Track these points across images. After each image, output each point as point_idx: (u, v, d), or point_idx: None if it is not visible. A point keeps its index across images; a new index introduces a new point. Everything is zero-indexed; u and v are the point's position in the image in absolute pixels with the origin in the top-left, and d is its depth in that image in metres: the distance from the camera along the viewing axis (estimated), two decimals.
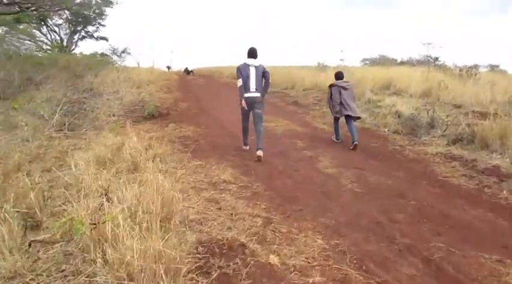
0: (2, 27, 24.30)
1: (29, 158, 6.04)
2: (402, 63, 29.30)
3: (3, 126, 7.95)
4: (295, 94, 14.82)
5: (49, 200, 4.08)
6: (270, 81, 6.85)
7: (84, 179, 4.13)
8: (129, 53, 38.24)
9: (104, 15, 38.16)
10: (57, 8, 12.61)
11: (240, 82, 6.58)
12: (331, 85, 8.00)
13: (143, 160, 5.57)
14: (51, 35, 37.59)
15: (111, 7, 38.89)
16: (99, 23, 38.79)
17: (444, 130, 8.09)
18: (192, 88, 16.81)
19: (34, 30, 37.97)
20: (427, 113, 8.97)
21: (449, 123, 8.27)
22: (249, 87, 6.57)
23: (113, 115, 9.53)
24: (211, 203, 4.30)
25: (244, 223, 3.77)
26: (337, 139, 7.97)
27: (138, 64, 33.06)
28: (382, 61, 32.85)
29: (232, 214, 3.98)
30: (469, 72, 13.75)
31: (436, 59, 30.44)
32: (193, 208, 4.09)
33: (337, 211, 4.29)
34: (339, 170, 5.80)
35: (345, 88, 7.77)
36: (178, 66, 38.40)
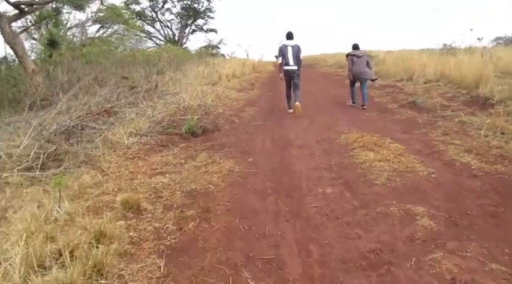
0: (120, 25, 23.37)
1: None
2: None
3: None
4: (413, 90, 10.15)
5: None
6: (301, 57, 8.07)
7: None
8: (225, 44, 36.68)
9: (211, 8, 36.99)
10: None
11: (280, 60, 8.11)
12: (347, 55, 8.84)
13: None
14: (164, 31, 37.60)
15: None
16: (208, 16, 37.83)
17: None
18: (279, 83, 12.98)
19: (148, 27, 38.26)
20: None
21: None
22: (288, 61, 7.93)
23: (136, 135, 6.28)
24: None
25: None
26: (353, 103, 8.98)
27: (247, 55, 31.10)
28: None
29: None
30: None
31: None
32: None
33: None
34: None
35: (358, 57, 8.55)
36: None
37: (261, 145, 5.79)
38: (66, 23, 22.15)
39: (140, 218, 3.38)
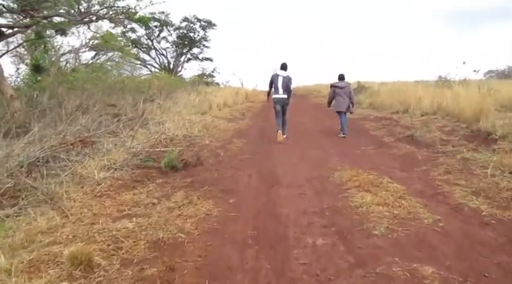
0: (117, 52, 23.09)
1: None
2: None
3: None
4: (409, 122, 9.71)
5: None
6: (291, 88, 8.54)
7: None
8: (218, 73, 36.85)
9: (207, 37, 37.18)
10: (82, 17, 9.41)
11: (269, 88, 8.73)
12: (331, 85, 9.32)
13: None
14: (159, 59, 37.65)
15: (215, 29, 37.89)
16: (203, 45, 38.03)
17: None
18: (271, 113, 12.49)
19: (143, 55, 38.26)
20: None
21: None
22: (278, 90, 8.28)
23: (110, 168, 5.68)
24: None
25: None
26: (342, 133, 8.88)
27: (242, 84, 30.96)
28: None
29: None
30: None
31: None
32: None
33: None
34: None
35: (340, 88, 9.00)
36: None
37: (246, 182, 5.20)
38: (59, 49, 21.88)
39: (89, 278, 2.75)
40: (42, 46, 14.32)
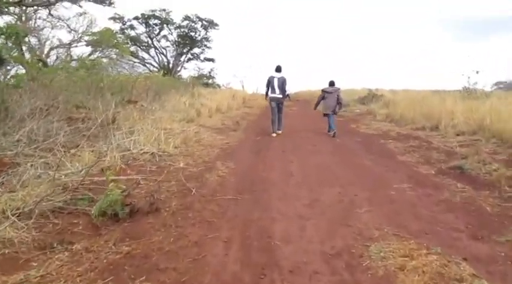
0: (115, 49, 21.13)
1: None
2: None
3: None
4: (444, 143, 7.46)
5: None
6: (286, 88, 9.38)
7: None
8: (216, 74, 35.08)
9: (209, 38, 35.39)
10: None
11: (266, 89, 9.40)
12: (322, 90, 9.94)
13: None
14: (159, 57, 36.08)
15: (217, 29, 36.00)
16: (205, 45, 36.33)
17: None
18: (269, 122, 10.15)
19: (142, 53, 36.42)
20: None
21: None
22: (274, 90, 9.17)
23: (12, 215, 3.43)
24: None
25: None
26: (328, 132, 9.52)
27: (243, 87, 29.20)
28: None
29: None
30: None
31: None
32: None
33: None
34: None
35: (329, 93, 9.67)
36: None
37: (217, 261, 2.89)
38: (45, 42, 19.84)
39: None
40: (14, 37, 12.11)
